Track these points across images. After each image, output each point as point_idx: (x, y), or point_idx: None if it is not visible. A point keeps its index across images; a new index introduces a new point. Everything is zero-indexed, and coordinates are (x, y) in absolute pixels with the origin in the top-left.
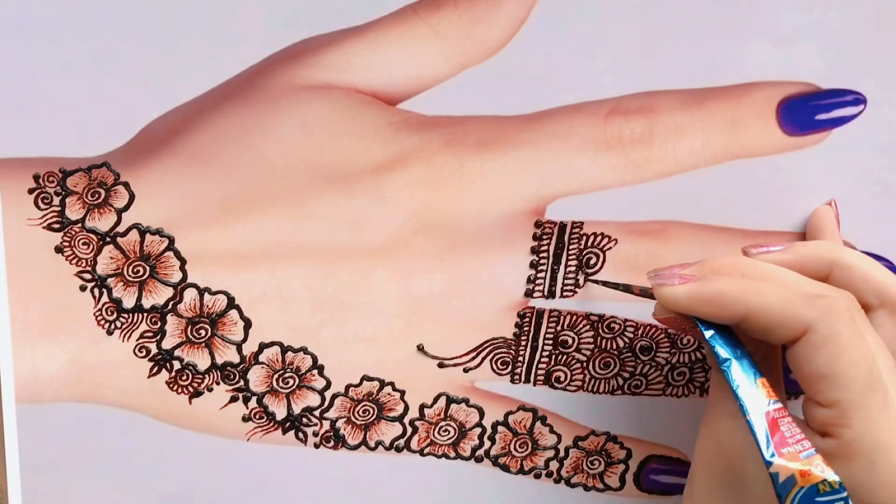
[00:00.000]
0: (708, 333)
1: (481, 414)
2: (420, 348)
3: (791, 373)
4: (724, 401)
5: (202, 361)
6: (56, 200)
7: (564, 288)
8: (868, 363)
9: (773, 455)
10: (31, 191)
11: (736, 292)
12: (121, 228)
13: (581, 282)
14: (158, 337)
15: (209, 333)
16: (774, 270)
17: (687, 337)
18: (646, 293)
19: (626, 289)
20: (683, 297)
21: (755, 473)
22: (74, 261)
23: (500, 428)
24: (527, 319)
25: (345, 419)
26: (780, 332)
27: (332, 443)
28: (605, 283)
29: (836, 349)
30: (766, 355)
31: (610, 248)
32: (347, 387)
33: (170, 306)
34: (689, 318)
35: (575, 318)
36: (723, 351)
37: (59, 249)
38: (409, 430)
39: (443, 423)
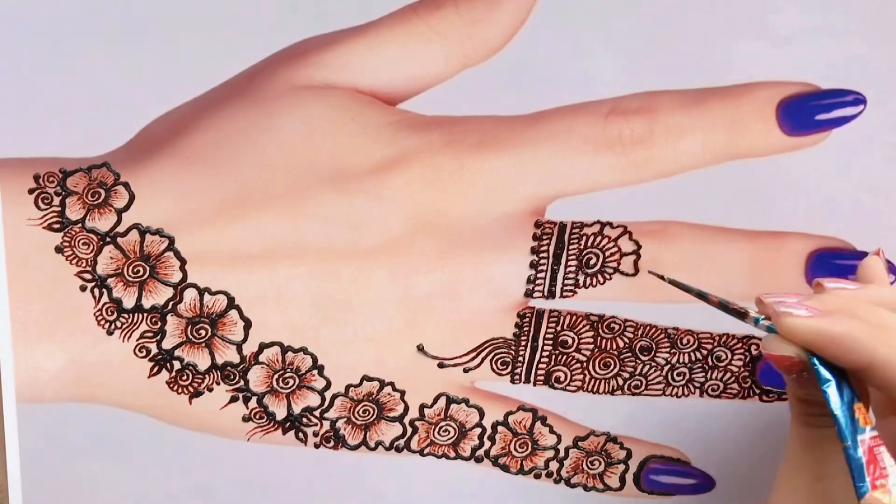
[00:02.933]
0: (816, 362)
1: (481, 414)
2: (420, 348)
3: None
4: (810, 461)
5: (202, 361)
6: (56, 200)
7: (564, 288)
8: None
9: (866, 488)
10: (31, 191)
11: (867, 339)
12: (121, 228)
13: (582, 281)
14: (158, 337)
15: (209, 333)
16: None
17: (687, 337)
18: (726, 308)
19: (701, 295)
20: (812, 331)
21: None
22: (74, 261)
23: (500, 428)
24: (527, 319)
25: (345, 419)
26: None
27: (332, 443)
28: (675, 284)
29: None
30: (878, 404)
31: (610, 248)
32: (347, 387)
33: (170, 306)
34: (805, 353)
35: (575, 318)
36: (825, 372)
37: (59, 249)
38: (409, 430)
39: (443, 424)
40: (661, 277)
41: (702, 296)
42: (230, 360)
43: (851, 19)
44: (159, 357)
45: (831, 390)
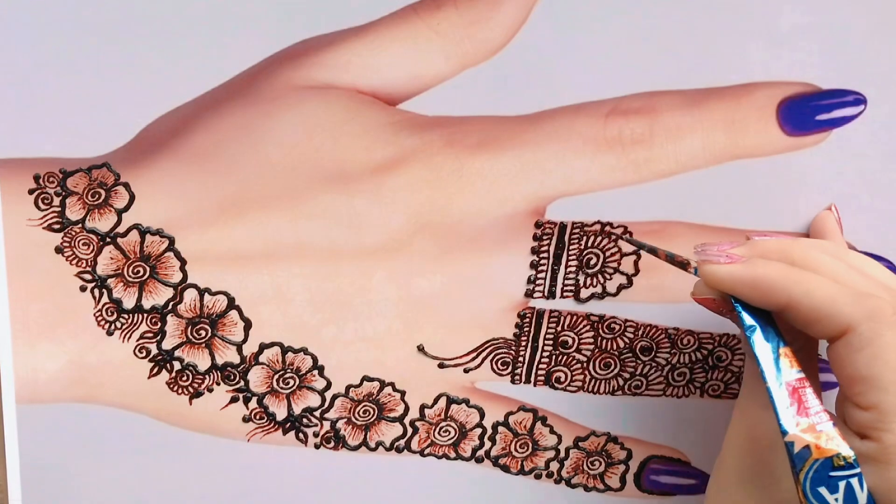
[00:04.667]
0: (739, 307)
1: (482, 414)
2: (420, 349)
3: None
4: (757, 391)
5: (202, 362)
6: (56, 201)
7: (565, 288)
8: None
9: (789, 424)
10: (31, 191)
11: (781, 279)
12: (121, 229)
13: (582, 282)
14: (158, 337)
15: (209, 334)
16: (827, 261)
17: (687, 338)
18: (672, 260)
19: (652, 251)
20: (727, 278)
21: (785, 466)
22: (74, 261)
23: (500, 428)
24: (527, 320)
25: (345, 420)
26: (820, 328)
27: (332, 443)
28: (631, 241)
29: (876, 351)
30: (804, 346)
31: (610, 248)
32: (348, 387)
33: (170, 307)
34: (728, 298)
35: (575, 318)
36: (748, 318)
37: (59, 250)
38: (410, 430)
39: (443, 424)
40: (623, 238)
41: (653, 251)
42: (230, 361)
43: (851, 19)
44: (159, 357)
45: (755, 336)
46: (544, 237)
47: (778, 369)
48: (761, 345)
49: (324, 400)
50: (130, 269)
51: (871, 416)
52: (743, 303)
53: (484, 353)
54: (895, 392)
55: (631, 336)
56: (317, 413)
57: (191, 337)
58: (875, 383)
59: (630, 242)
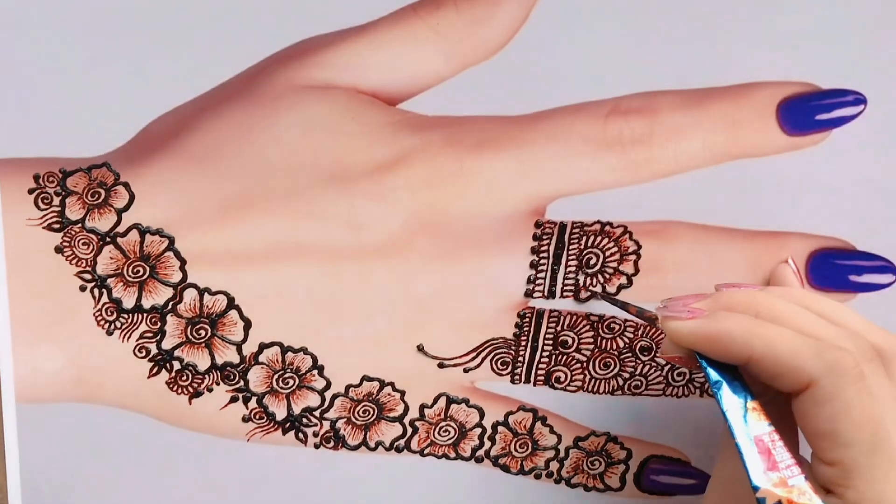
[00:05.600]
0: (703, 362)
1: (481, 414)
2: (420, 348)
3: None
4: (733, 445)
5: (202, 362)
6: (56, 200)
7: (564, 288)
8: (873, 424)
9: (760, 479)
10: (31, 191)
11: (742, 334)
12: (121, 229)
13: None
14: (158, 337)
15: (209, 334)
16: (792, 312)
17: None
18: (641, 315)
19: (624, 307)
20: (688, 334)
21: None
22: (74, 261)
23: (500, 428)
24: (527, 319)
25: (345, 419)
26: (782, 382)
27: (332, 443)
28: (605, 297)
29: (839, 407)
30: (775, 399)
31: (610, 248)
32: (347, 387)
33: (170, 306)
34: (692, 354)
35: (575, 318)
36: (714, 373)
37: (59, 249)
38: (410, 430)
39: (443, 424)
40: (596, 295)
41: (623, 307)
42: (230, 361)
43: (851, 19)
44: (159, 357)
45: (721, 391)
46: (544, 237)
47: (746, 423)
48: (729, 399)
49: (323, 400)
50: (130, 268)
51: (835, 472)
52: (708, 358)
53: (484, 353)
54: (858, 449)
55: (631, 336)
56: (316, 413)
57: (190, 337)
58: (838, 439)
59: (605, 299)
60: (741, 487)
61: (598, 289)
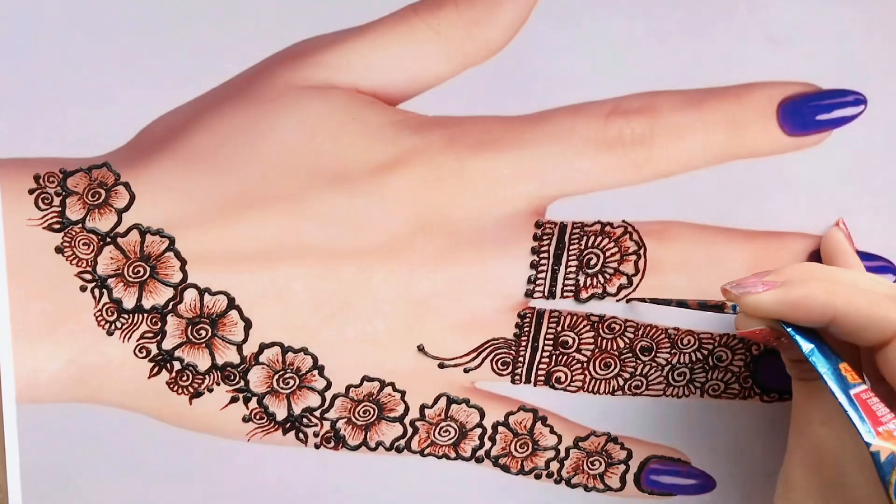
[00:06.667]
0: (790, 330)
1: (482, 414)
2: (420, 349)
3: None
4: (813, 411)
5: (202, 362)
6: (56, 201)
7: (565, 288)
8: None
9: (871, 435)
10: (31, 191)
11: (823, 294)
12: (121, 229)
13: (582, 282)
14: (159, 337)
15: (209, 334)
16: (850, 275)
17: (687, 338)
18: (705, 306)
19: (681, 304)
20: (771, 303)
21: (856, 478)
22: (75, 261)
23: (500, 428)
24: (527, 320)
25: (345, 420)
26: (868, 335)
27: (332, 443)
28: (653, 301)
29: None
30: (851, 359)
31: (610, 248)
32: (348, 387)
33: (170, 307)
34: (776, 323)
35: (575, 318)
36: (804, 342)
37: (59, 250)
38: (410, 430)
39: (443, 424)
40: (643, 300)
41: (681, 304)
42: (230, 361)
43: (851, 19)
44: (159, 357)
45: (815, 357)
46: (544, 237)
47: (844, 384)
48: (823, 364)
49: (324, 400)
50: (130, 269)
51: None
52: (794, 326)
53: (484, 353)
54: None
55: (631, 336)
56: (317, 413)
57: (191, 337)
58: None
59: (655, 302)
60: (827, 451)
61: (600, 290)
